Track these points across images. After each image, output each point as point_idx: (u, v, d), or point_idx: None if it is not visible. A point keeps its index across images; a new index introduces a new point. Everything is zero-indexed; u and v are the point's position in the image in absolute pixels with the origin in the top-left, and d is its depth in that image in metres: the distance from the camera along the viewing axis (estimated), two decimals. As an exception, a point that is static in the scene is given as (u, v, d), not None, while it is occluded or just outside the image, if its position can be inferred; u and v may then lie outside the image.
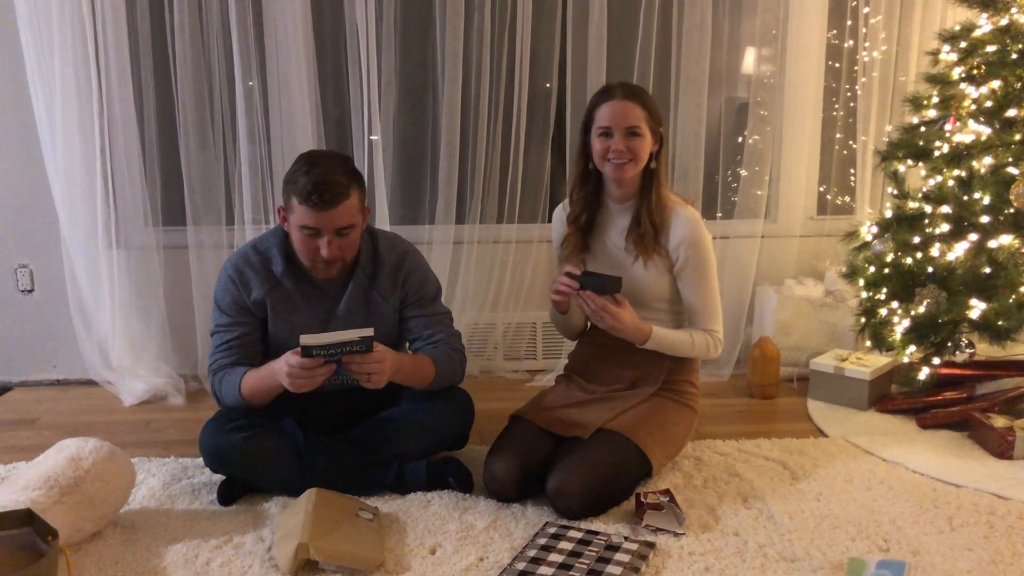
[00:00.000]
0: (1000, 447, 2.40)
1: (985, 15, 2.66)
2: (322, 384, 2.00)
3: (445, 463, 2.24)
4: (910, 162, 2.86)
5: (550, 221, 2.47)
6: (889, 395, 2.88)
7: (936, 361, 2.68)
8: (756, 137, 3.19)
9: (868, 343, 2.89)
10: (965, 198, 2.59)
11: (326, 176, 2.02)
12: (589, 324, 2.39)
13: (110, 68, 2.92)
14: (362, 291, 2.24)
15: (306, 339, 1.91)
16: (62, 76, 2.87)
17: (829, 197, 3.39)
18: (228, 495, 2.16)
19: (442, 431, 2.27)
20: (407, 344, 2.36)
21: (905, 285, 2.73)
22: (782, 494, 2.19)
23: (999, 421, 2.45)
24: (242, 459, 2.12)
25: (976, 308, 2.54)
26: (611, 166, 2.17)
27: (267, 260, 2.21)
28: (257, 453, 2.12)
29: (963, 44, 2.69)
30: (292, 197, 2.05)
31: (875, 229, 2.86)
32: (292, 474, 2.14)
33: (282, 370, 1.97)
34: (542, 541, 1.90)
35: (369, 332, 1.95)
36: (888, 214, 2.86)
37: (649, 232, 2.18)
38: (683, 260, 2.19)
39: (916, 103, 2.86)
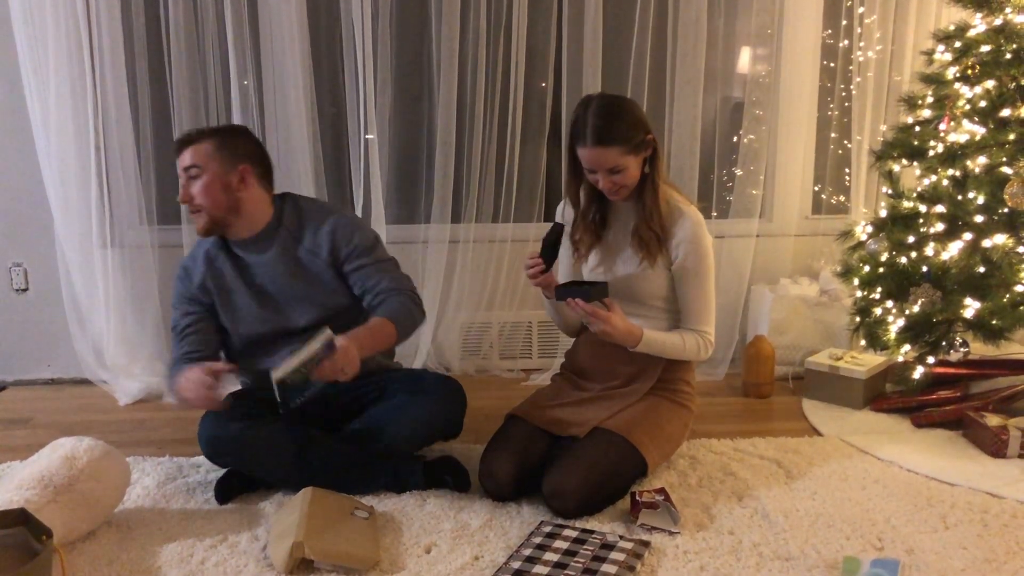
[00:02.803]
0: (994, 446, 2.41)
1: (979, 15, 2.66)
2: (307, 396, 2.02)
3: (442, 462, 2.24)
4: (905, 162, 2.86)
5: (546, 220, 2.47)
6: (884, 394, 2.89)
7: (930, 360, 2.68)
8: (751, 136, 3.20)
9: (863, 342, 2.89)
10: (960, 198, 2.59)
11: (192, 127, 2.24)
12: (585, 321, 2.39)
13: (105, 67, 2.91)
14: (289, 253, 2.25)
15: (276, 373, 1.92)
16: (56, 74, 2.86)
17: (824, 196, 3.39)
18: (225, 493, 2.17)
19: (435, 421, 2.25)
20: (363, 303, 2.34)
21: (900, 284, 2.73)
22: (777, 493, 2.19)
23: (993, 420, 2.46)
24: (240, 448, 2.13)
25: (970, 307, 2.55)
26: (606, 193, 2.18)
27: (202, 245, 2.32)
28: (255, 442, 2.13)
29: (958, 44, 2.69)
30: None
31: (870, 228, 2.86)
32: (289, 464, 2.14)
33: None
34: (538, 540, 1.90)
35: (327, 333, 1.94)
36: (883, 213, 2.85)
37: (653, 238, 2.18)
38: (681, 259, 2.19)
39: (911, 103, 2.86)
